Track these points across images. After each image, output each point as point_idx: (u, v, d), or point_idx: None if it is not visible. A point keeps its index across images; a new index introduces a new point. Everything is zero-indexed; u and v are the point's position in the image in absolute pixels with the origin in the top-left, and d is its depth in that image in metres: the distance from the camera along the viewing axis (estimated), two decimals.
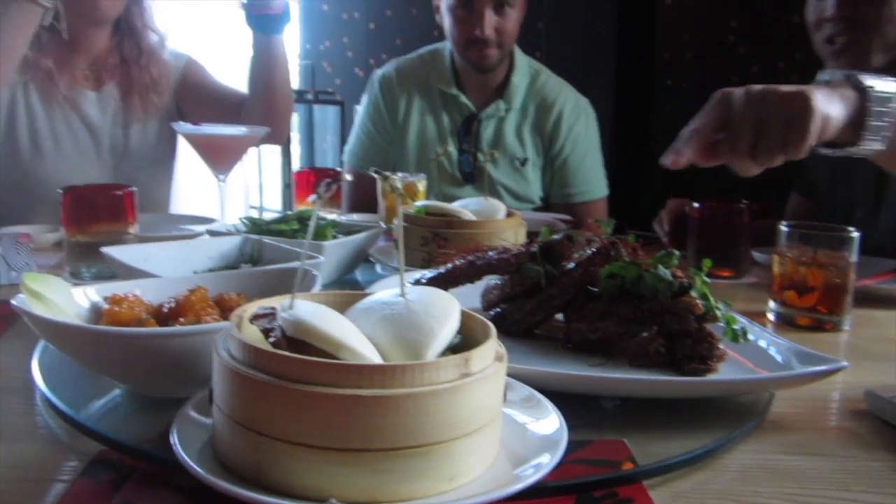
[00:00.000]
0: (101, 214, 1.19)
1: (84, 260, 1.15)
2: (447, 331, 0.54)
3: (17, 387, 0.72)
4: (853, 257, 1.04)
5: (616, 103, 3.58)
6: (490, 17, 1.83)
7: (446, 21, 1.91)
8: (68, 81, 1.67)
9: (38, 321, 0.63)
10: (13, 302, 0.64)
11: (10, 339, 0.87)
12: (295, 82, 4.66)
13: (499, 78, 1.98)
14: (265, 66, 1.70)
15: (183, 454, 0.50)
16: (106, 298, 0.71)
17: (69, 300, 0.69)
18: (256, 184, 4.58)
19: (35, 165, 1.65)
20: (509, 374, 0.56)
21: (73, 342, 0.65)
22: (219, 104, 1.82)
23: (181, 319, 0.68)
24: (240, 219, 1.26)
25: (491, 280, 0.91)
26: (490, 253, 0.88)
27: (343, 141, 2.18)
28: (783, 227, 1.08)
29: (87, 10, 1.59)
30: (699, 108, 0.96)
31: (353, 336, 0.52)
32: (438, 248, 1.08)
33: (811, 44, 1.51)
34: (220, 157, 1.46)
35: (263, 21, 1.63)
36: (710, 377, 0.72)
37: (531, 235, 0.97)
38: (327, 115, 4.84)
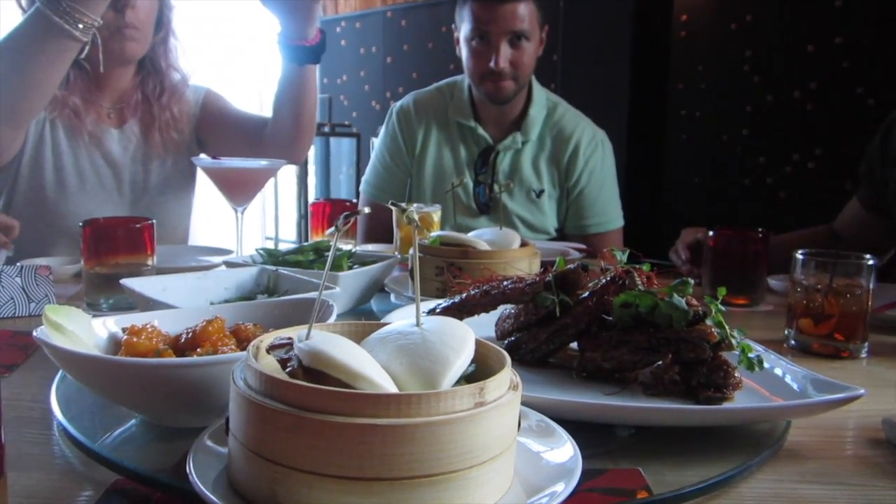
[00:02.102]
0: (119, 246, 1.21)
1: (102, 291, 1.17)
2: (462, 360, 0.54)
3: (35, 416, 0.73)
4: (870, 284, 1.03)
5: (630, 134, 3.59)
6: (505, 50, 1.85)
7: (464, 53, 1.93)
8: (94, 119, 1.70)
9: (59, 353, 0.64)
10: (35, 333, 0.66)
11: (28, 369, 0.88)
12: None
13: (516, 110, 1.99)
14: (297, 94, 1.69)
15: (199, 483, 0.50)
16: (124, 329, 0.72)
17: (89, 331, 0.70)
18: (272, 215, 4.62)
19: (58, 200, 1.68)
20: (524, 403, 0.56)
21: (92, 373, 0.66)
22: (240, 132, 1.85)
23: (198, 350, 0.69)
24: (256, 250, 1.28)
25: (505, 309, 0.91)
26: (505, 282, 0.89)
27: (359, 172, 2.21)
28: (798, 255, 1.08)
29: (116, 51, 1.62)
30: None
31: (369, 366, 0.52)
32: (453, 277, 1.09)
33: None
34: (239, 189, 1.48)
35: (299, 52, 1.61)
36: (726, 405, 0.72)
37: (545, 265, 0.98)
38: (343, 148, 4.90)
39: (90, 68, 1.63)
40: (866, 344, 1.04)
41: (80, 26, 1.35)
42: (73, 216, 1.61)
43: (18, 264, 1.19)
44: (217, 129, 1.88)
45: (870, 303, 1.04)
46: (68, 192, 1.68)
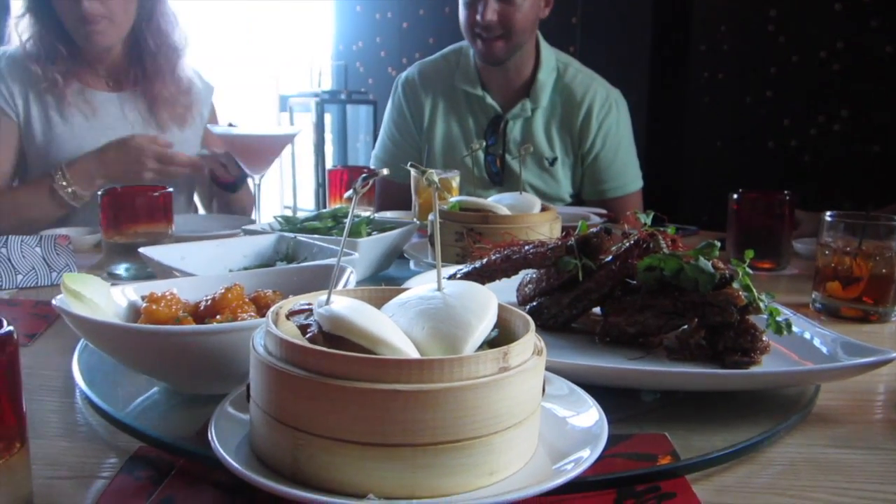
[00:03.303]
0: (138, 216, 1.21)
1: (122, 260, 1.17)
2: (485, 325, 0.53)
3: (58, 385, 0.73)
4: None
5: (651, 96, 3.53)
6: (493, 3, 1.78)
7: (460, 11, 1.88)
8: (82, 86, 1.69)
9: (78, 320, 0.64)
10: (54, 302, 0.65)
11: (49, 338, 0.88)
12: (328, 82, 4.68)
13: (524, 75, 1.94)
14: (227, 208, 1.89)
15: (221, 450, 0.50)
16: (144, 297, 0.71)
17: (108, 300, 0.70)
18: (290, 183, 4.62)
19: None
20: (548, 368, 0.55)
21: (112, 341, 0.66)
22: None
23: (218, 317, 0.69)
24: (274, 217, 1.27)
25: (527, 274, 0.90)
26: (526, 247, 0.87)
27: (375, 140, 2.17)
28: (827, 217, 1.05)
29: (83, 40, 1.62)
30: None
31: (390, 331, 0.51)
32: (474, 243, 1.07)
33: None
34: (255, 157, 1.47)
35: (225, 185, 1.78)
36: (754, 370, 0.70)
37: (567, 229, 0.96)
38: (360, 115, 4.87)
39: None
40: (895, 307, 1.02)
41: (69, 190, 1.54)
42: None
43: (38, 234, 1.20)
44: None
45: None
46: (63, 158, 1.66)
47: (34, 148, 1.66)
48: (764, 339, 0.72)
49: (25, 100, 1.65)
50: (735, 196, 1.33)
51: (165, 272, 0.93)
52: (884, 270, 1.01)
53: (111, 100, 1.74)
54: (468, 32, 1.86)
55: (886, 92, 3.02)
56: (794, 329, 0.75)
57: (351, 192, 0.58)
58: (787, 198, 1.30)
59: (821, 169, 3.21)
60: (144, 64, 1.74)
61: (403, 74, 2.07)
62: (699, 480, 0.55)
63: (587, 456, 0.50)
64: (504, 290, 0.85)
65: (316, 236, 1.09)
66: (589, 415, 0.56)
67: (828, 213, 1.06)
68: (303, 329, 0.54)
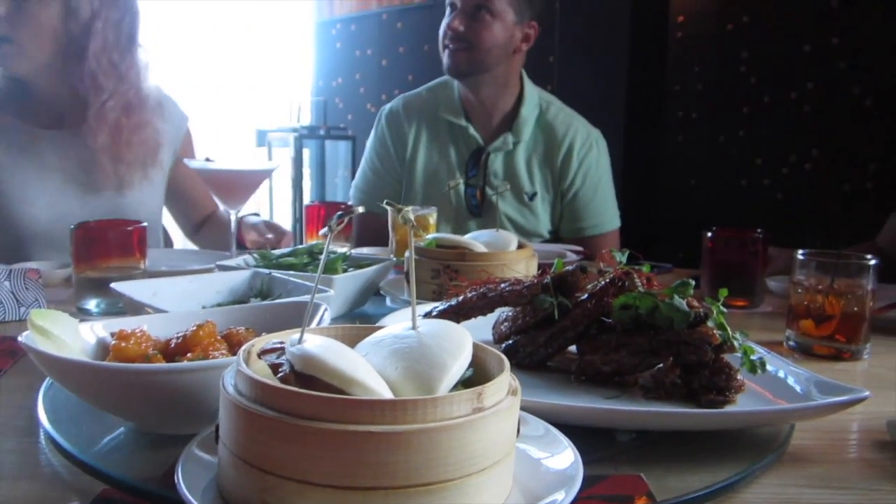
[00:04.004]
0: (111, 250, 1.19)
1: (93, 295, 1.15)
2: (460, 364, 0.52)
3: (21, 424, 0.71)
4: (871, 285, 1.02)
5: (627, 134, 3.58)
6: (465, 15, 1.84)
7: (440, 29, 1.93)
8: (25, 124, 1.63)
9: (43, 358, 0.62)
10: (20, 339, 0.64)
11: (15, 375, 0.86)
12: (307, 118, 4.70)
13: (506, 108, 1.97)
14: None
15: (187, 493, 0.49)
16: (113, 334, 0.70)
17: (76, 336, 0.69)
18: (267, 218, 4.59)
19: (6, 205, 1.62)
20: (523, 408, 0.54)
21: (78, 379, 0.64)
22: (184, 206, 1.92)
23: (189, 355, 0.67)
24: (249, 253, 1.26)
25: (503, 312, 0.90)
26: (502, 285, 0.87)
27: (354, 176, 2.18)
28: (799, 255, 1.06)
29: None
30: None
31: (363, 370, 0.50)
32: (450, 280, 1.07)
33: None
34: (232, 192, 1.47)
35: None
36: (729, 409, 0.70)
37: (543, 267, 0.96)
38: (338, 150, 4.88)
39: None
40: (868, 345, 1.03)
41: None
42: (19, 220, 1.59)
43: (6, 268, 1.17)
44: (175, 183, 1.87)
45: (871, 304, 1.02)
46: (12, 198, 1.61)
47: None
48: (738, 377, 0.72)
49: None
50: (709, 234, 1.34)
51: (136, 308, 0.91)
52: (855, 308, 1.02)
53: (50, 138, 1.64)
54: (441, 45, 1.92)
55: (856, 132, 3.09)
56: (769, 368, 0.76)
57: (326, 229, 0.57)
58: (761, 236, 1.32)
59: (793, 207, 3.26)
60: (83, 103, 1.60)
61: (387, 106, 2.09)
62: None
63: (562, 499, 0.49)
64: (480, 329, 0.84)
65: (291, 272, 1.09)
66: (564, 456, 0.56)
67: (800, 251, 1.07)
68: (274, 368, 0.53)
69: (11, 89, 1.63)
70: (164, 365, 0.64)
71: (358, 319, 1.16)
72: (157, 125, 1.72)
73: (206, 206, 1.91)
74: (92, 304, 1.15)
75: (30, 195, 1.61)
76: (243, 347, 0.55)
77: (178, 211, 1.94)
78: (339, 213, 0.59)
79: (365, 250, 1.60)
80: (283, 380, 0.51)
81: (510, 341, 0.85)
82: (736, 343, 0.73)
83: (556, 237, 2.02)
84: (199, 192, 1.89)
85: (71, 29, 1.56)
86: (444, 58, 1.91)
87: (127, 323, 0.73)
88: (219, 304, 1.00)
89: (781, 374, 0.79)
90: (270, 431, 0.47)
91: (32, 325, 0.64)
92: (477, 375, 0.55)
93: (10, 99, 1.63)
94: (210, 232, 1.91)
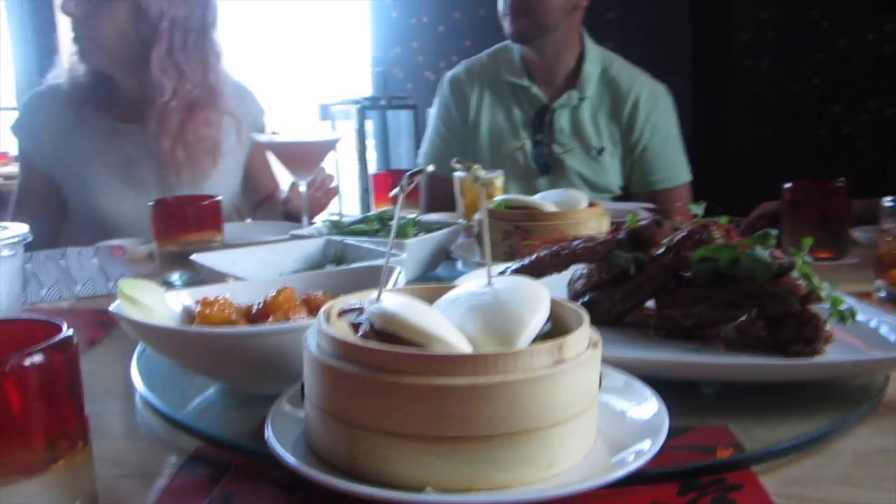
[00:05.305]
0: (188, 224, 1.23)
1: (175, 268, 1.19)
2: (538, 319, 0.52)
3: (118, 389, 0.75)
4: None
5: (694, 89, 3.47)
6: None
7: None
8: (105, 116, 1.68)
9: (135, 325, 0.65)
10: (111, 308, 0.66)
11: (108, 344, 0.90)
12: (367, 89, 4.72)
13: (568, 66, 1.94)
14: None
15: (278, 447, 0.50)
16: (197, 302, 0.72)
17: (163, 305, 0.71)
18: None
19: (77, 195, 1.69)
20: (603, 362, 0.54)
21: (168, 344, 0.67)
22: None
23: (270, 319, 0.69)
24: (322, 221, 1.28)
25: (577, 269, 0.89)
26: (575, 242, 0.86)
27: (417, 145, 2.18)
28: (887, 203, 1.02)
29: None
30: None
31: (442, 327, 0.51)
32: (521, 240, 1.06)
33: None
34: (299, 164, 1.49)
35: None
36: (819, 359, 0.68)
37: (615, 224, 0.94)
38: (400, 120, 4.88)
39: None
40: None
41: None
42: (103, 210, 1.65)
43: (95, 246, 1.22)
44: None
45: None
46: (96, 190, 1.67)
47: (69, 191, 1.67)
48: (827, 328, 0.70)
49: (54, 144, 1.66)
50: (789, 186, 1.29)
51: (217, 278, 0.94)
52: None
53: (129, 131, 1.69)
54: (501, 15, 1.89)
55: None
56: (859, 317, 0.73)
57: (397, 189, 0.57)
58: (843, 185, 1.26)
59: (876, 154, 3.11)
60: (162, 96, 1.61)
61: (450, 73, 2.09)
62: (765, 472, 0.53)
63: (648, 448, 0.49)
64: (554, 287, 0.83)
65: (363, 238, 1.10)
66: (648, 406, 0.55)
67: (888, 198, 1.02)
68: (354, 327, 0.54)
69: (95, 82, 1.68)
70: (247, 328, 0.66)
71: (432, 283, 1.16)
72: (223, 121, 1.72)
73: (267, 186, 1.94)
74: (175, 277, 1.19)
75: (112, 186, 1.67)
76: (324, 308, 0.56)
77: (242, 191, 1.97)
78: (409, 172, 0.59)
79: (433, 216, 1.61)
80: (363, 337, 0.51)
81: (586, 298, 0.84)
82: (823, 293, 0.71)
83: (626, 194, 1.99)
84: (262, 172, 1.91)
85: (141, 28, 1.58)
86: (506, 24, 1.88)
87: (210, 291, 0.75)
88: (295, 272, 1.02)
89: (874, 323, 0.75)
90: (355, 387, 0.48)
91: (122, 294, 0.67)
92: (555, 330, 0.55)
93: (94, 93, 1.68)
94: (267, 211, 1.93)
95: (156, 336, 0.66)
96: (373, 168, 4.58)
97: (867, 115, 3.15)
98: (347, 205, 4.62)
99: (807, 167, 3.25)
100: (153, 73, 1.59)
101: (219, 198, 1.25)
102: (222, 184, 1.76)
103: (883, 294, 1.02)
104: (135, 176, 1.68)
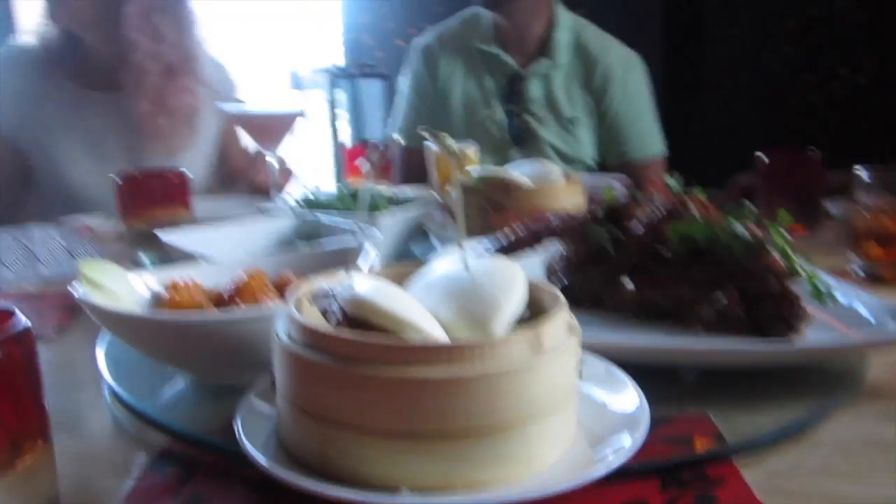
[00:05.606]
0: (155, 199, 1.19)
1: (144, 246, 1.15)
2: (514, 302, 0.51)
3: (86, 379, 0.72)
4: None
5: (665, 57, 3.44)
6: None
7: None
8: (74, 85, 1.63)
9: (98, 311, 0.62)
10: (73, 292, 0.64)
11: (77, 330, 0.87)
12: (340, 58, 4.63)
13: (538, 33, 1.91)
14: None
15: (248, 445, 0.49)
16: (166, 286, 0.70)
17: (129, 288, 0.68)
18: (308, 163, 4.59)
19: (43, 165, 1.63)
20: (582, 347, 0.52)
21: (134, 332, 0.64)
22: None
23: (241, 304, 0.67)
24: (294, 198, 1.25)
25: (554, 249, 0.87)
26: (552, 218, 0.85)
27: (389, 115, 2.14)
28: (862, 174, 1.01)
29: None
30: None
31: (416, 312, 0.49)
32: (496, 214, 1.05)
33: None
34: (266, 135, 1.45)
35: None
36: (801, 343, 0.67)
37: (592, 199, 0.93)
38: (372, 90, 4.81)
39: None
40: None
41: None
42: (69, 182, 1.59)
43: (61, 224, 1.18)
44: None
45: None
46: (62, 159, 1.62)
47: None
48: (804, 306, 0.69)
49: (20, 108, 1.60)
50: (762, 156, 1.28)
51: (185, 257, 0.91)
52: None
53: (100, 100, 1.64)
54: None
55: None
56: (837, 295, 0.72)
57: (367, 166, 0.55)
58: (818, 156, 1.26)
59: (849, 122, 3.12)
60: (130, 66, 1.57)
61: (420, 41, 2.05)
62: (747, 464, 0.52)
63: (629, 443, 0.47)
64: (531, 267, 0.82)
65: (334, 212, 1.08)
66: (629, 397, 0.54)
67: (862, 168, 1.02)
68: (325, 313, 0.52)
69: (65, 46, 1.62)
70: (217, 315, 0.64)
71: (405, 260, 1.14)
72: (201, 90, 1.67)
73: (239, 161, 1.89)
74: (145, 255, 1.15)
75: (79, 157, 1.62)
76: (293, 294, 0.54)
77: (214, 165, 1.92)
78: (375, 143, 0.57)
79: (407, 190, 1.58)
80: (334, 325, 0.50)
81: (564, 279, 0.83)
82: (801, 270, 0.70)
83: (600, 165, 1.98)
84: (234, 147, 1.87)
85: None
86: None
87: (177, 273, 0.73)
88: (267, 250, 1.00)
89: (852, 302, 0.75)
90: (325, 379, 0.46)
91: (84, 278, 0.64)
92: (532, 314, 0.53)
93: (62, 56, 1.62)
94: (239, 186, 1.88)
95: (121, 323, 0.64)
96: (346, 138, 4.52)
97: (838, 83, 3.16)
98: (321, 178, 4.56)
99: (781, 137, 3.25)
100: (127, 31, 1.54)
101: (185, 171, 1.21)
102: (196, 158, 1.72)
103: (858, 269, 1.02)
104: (104, 147, 1.64)
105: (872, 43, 3.05)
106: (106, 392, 0.68)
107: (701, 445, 0.53)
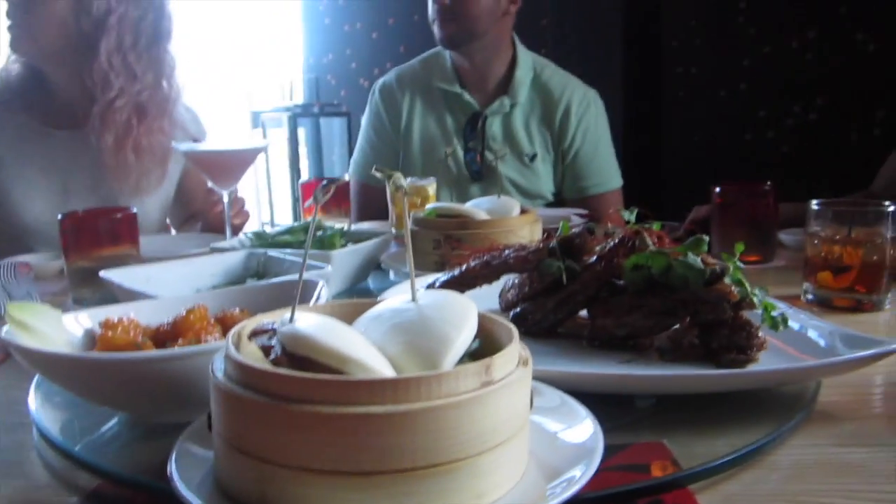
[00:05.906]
0: (101, 239, 1.15)
1: (87, 285, 1.11)
2: (464, 336, 0.49)
3: (14, 420, 0.68)
4: (890, 232, 0.98)
5: (626, 95, 3.52)
6: None
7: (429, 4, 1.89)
8: (35, 122, 1.58)
9: (25, 352, 0.59)
10: (1, 334, 0.60)
11: (7, 369, 0.83)
12: (300, 96, 4.63)
13: (499, 73, 1.93)
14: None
15: (181, 487, 0.46)
16: (100, 324, 0.66)
17: (60, 329, 0.65)
18: (267, 200, 4.55)
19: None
20: (535, 378, 0.51)
21: (62, 372, 0.61)
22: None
23: (180, 341, 0.64)
24: (244, 234, 1.22)
25: (508, 280, 0.86)
26: (506, 251, 0.84)
27: (351, 152, 2.14)
28: (814, 206, 1.02)
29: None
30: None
31: (361, 348, 0.47)
32: (451, 250, 1.03)
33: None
34: (221, 173, 1.42)
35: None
36: (752, 368, 0.67)
37: (548, 232, 0.92)
38: (333, 128, 4.81)
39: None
40: (889, 295, 0.99)
41: None
42: (21, 217, 1.55)
43: None
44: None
45: (891, 252, 0.98)
46: (15, 195, 1.56)
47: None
48: (760, 335, 0.69)
49: None
50: (717, 189, 1.30)
51: (129, 296, 0.88)
52: (875, 258, 0.98)
53: (62, 138, 1.59)
54: (431, 20, 1.87)
55: (860, 79, 3.02)
56: (791, 323, 0.72)
57: (311, 200, 0.54)
58: (770, 188, 1.28)
59: (800, 157, 3.21)
60: (103, 98, 1.51)
61: (380, 80, 2.05)
62: (703, 490, 0.51)
63: (581, 474, 0.46)
64: (485, 298, 0.81)
65: (288, 251, 1.05)
66: (583, 427, 0.52)
67: (814, 201, 1.03)
68: (265, 350, 0.49)
69: (28, 82, 1.58)
70: (151, 352, 0.61)
71: (359, 295, 1.12)
72: (172, 133, 1.62)
73: (199, 202, 1.86)
74: (86, 295, 1.11)
75: (33, 193, 1.57)
76: (233, 330, 0.52)
77: (172, 205, 1.89)
78: (325, 181, 0.55)
79: (365, 225, 1.56)
80: (275, 362, 0.47)
81: (518, 309, 0.82)
82: (755, 299, 0.70)
83: (559, 199, 1.99)
84: (196, 188, 1.83)
85: (82, 22, 1.48)
86: (435, 30, 1.86)
87: (114, 311, 0.69)
88: (214, 287, 0.97)
89: (804, 329, 0.75)
90: (263, 418, 0.43)
91: (12, 320, 0.61)
92: (484, 347, 0.51)
93: (25, 94, 1.57)
94: (194, 226, 1.85)
95: (48, 364, 0.60)
96: (305, 176, 4.50)
97: (791, 120, 3.24)
98: (278, 214, 4.52)
99: (735, 171, 3.32)
100: (99, 68, 1.49)
101: (133, 210, 1.17)
102: (154, 203, 1.68)
103: (810, 297, 1.02)
104: (68, 184, 1.59)
105: (823, 82, 3.15)
106: (35, 434, 0.64)
107: (657, 472, 0.52)
